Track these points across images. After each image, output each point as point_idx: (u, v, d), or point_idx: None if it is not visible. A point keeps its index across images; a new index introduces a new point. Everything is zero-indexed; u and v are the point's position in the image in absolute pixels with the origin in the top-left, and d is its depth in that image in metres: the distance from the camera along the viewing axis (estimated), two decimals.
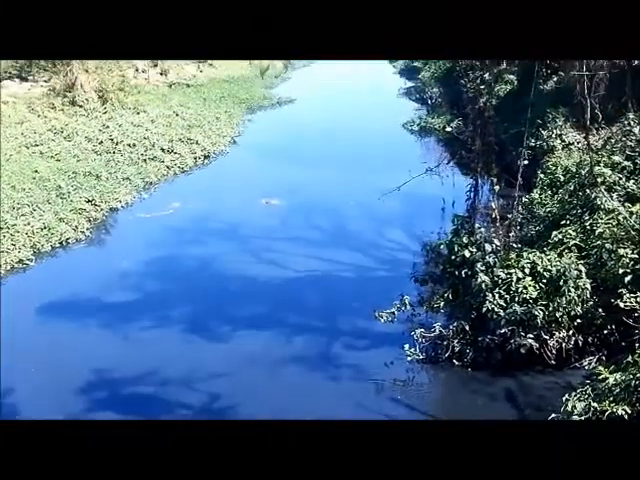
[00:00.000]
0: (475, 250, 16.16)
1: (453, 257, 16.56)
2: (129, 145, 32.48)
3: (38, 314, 18.90)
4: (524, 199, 20.72)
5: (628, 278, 14.67)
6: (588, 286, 15.14)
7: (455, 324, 16.21)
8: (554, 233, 16.96)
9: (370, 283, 21.01)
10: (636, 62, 26.91)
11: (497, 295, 15.30)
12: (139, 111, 36.82)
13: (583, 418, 11.29)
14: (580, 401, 11.76)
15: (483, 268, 15.81)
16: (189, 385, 15.57)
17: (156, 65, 45.87)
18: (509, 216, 18.31)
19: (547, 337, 15.39)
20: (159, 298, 19.99)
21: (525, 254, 15.79)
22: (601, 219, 16.53)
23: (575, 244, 16.40)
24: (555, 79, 30.64)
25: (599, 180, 17.61)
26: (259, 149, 35.38)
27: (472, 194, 18.30)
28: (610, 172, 18.28)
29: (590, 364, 15.31)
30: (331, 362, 16.73)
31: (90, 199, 26.28)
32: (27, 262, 21.91)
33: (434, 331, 16.35)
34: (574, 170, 20.21)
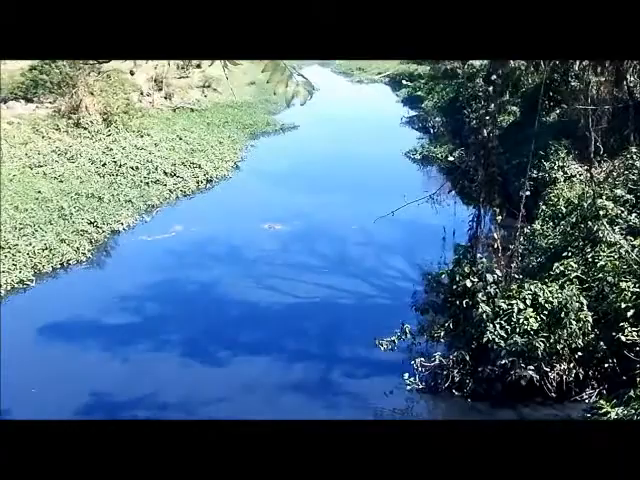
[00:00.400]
0: (477, 280, 16.17)
1: (454, 286, 16.57)
2: (132, 168, 32.54)
3: (38, 335, 18.87)
4: (526, 230, 20.73)
5: (630, 312, 14.66)
6: (589, 319, 15.12)
7: (455, 354, 16.16)
8: (556, 265, 16.95)
9: (370, 311, 20.98)
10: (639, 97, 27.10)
11: (498, 326, 15.28)
12: (143, 134, 36.92)
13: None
14: None
15: (484, 298, 15.82)
16: (187, 410, 15.49)
17: (161, 89, 46.07)
18: (511, 247, 18.31)
19: (548, 369, 15.34)
20: (159, 321, 19.96)
21: (527, 285, 15.79)
22: (603, 252, 16.54)
23: (577, 276, 16.39)
24: (558, 111, 30.79)
25: (601, 213, 17.65)
26: (262, 174, 35.47)
27: (474, 224, 18.32)
28: (612, 205, 18.31)
29: (591, 397, 15.25)
30: (330, 389, 16.67)
31: (92, 221, 26.31)
32: (28, 282, 21.91)
33: (434, 360, 16.30)
34: (576, 202, 20.25)
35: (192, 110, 45.39)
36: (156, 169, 32.94)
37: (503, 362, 15.21)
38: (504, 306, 15.45)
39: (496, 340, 15.12)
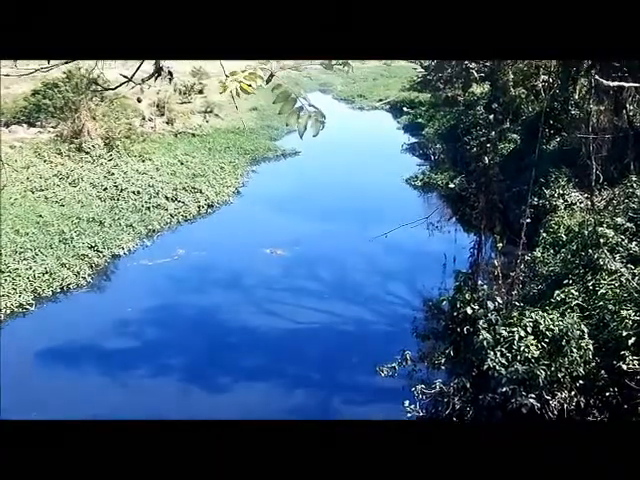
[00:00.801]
0: (477, 307, 16.14)
1: (455, 313, 16.52)
2: (133, 192, 32.68)
3: (37, 359, 18.81)
4: (527, 257, 20.75)
5: (631, 340, 14.61)
6: (590, 347, 15.05)
7: (456, 381, 16.07)
8: (556, 292, 16.93)
9: (371, 337, 20.94)
10: (639, 125, 27.25)
11: (499, 353, 15.21)
12: (144, 159, 37.07)
13: None
14: None
15: (485, 325, 15.77)
16: None
17: (163, 114, 46.33)
18: (512, 274, 18.31)
19: (549, 397, 15.24)
20: (159, 346, 19.91)
21: (527, 313, 15.74)
22: (604, 280, 16.54)
23: (577, 304, 16.36)
24: (558, 139, 30.94)
25: (602, 241, 17.67)
26: (263, 200, 35.53)
27: (475, 251, 18.36)
28: (613, 233, 18.35)
29: None
30: (330, 416, 16.58)
31: (93, 245, 26.36)
32: (27, 307, 21.90)
33: (435, 388, 16.21)
34: (577, 230, 20.30)
35: (194, 135, 45.57)
36: (157, 194, 33.05)
37: (504, 390, 15.11)
38: (505, 333, 15.39)
39: (497, 368, 15.04)
